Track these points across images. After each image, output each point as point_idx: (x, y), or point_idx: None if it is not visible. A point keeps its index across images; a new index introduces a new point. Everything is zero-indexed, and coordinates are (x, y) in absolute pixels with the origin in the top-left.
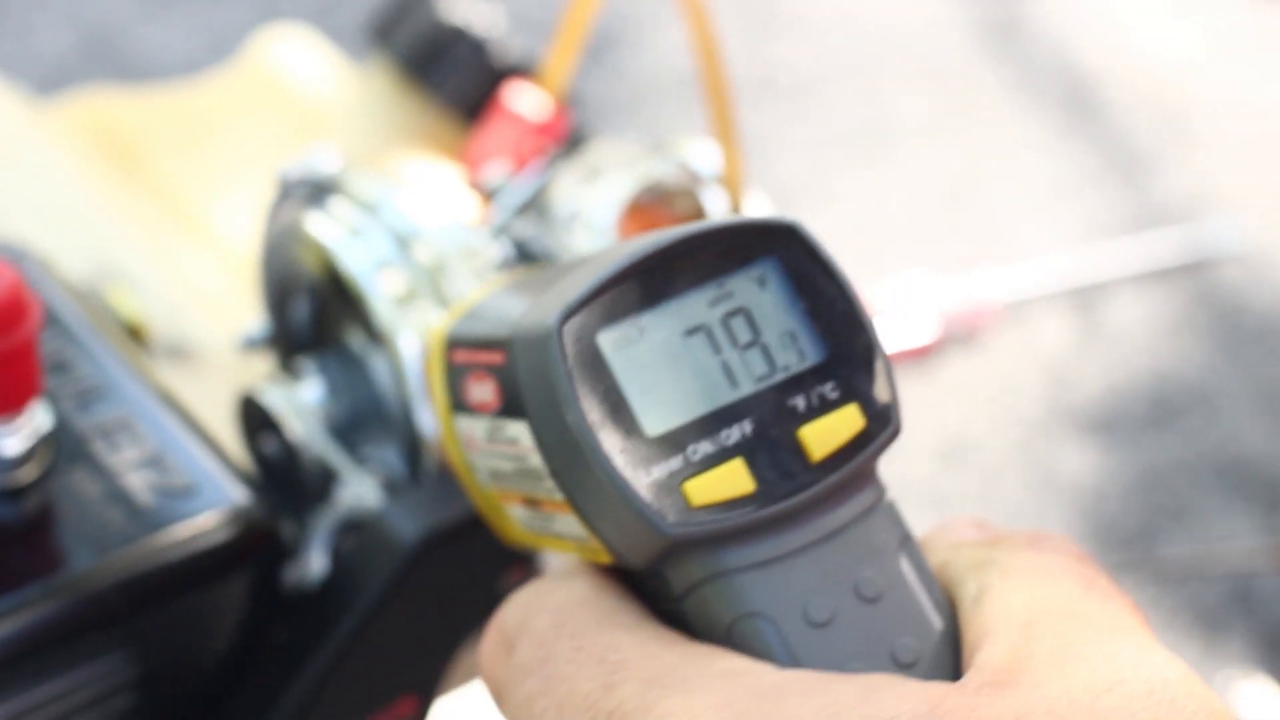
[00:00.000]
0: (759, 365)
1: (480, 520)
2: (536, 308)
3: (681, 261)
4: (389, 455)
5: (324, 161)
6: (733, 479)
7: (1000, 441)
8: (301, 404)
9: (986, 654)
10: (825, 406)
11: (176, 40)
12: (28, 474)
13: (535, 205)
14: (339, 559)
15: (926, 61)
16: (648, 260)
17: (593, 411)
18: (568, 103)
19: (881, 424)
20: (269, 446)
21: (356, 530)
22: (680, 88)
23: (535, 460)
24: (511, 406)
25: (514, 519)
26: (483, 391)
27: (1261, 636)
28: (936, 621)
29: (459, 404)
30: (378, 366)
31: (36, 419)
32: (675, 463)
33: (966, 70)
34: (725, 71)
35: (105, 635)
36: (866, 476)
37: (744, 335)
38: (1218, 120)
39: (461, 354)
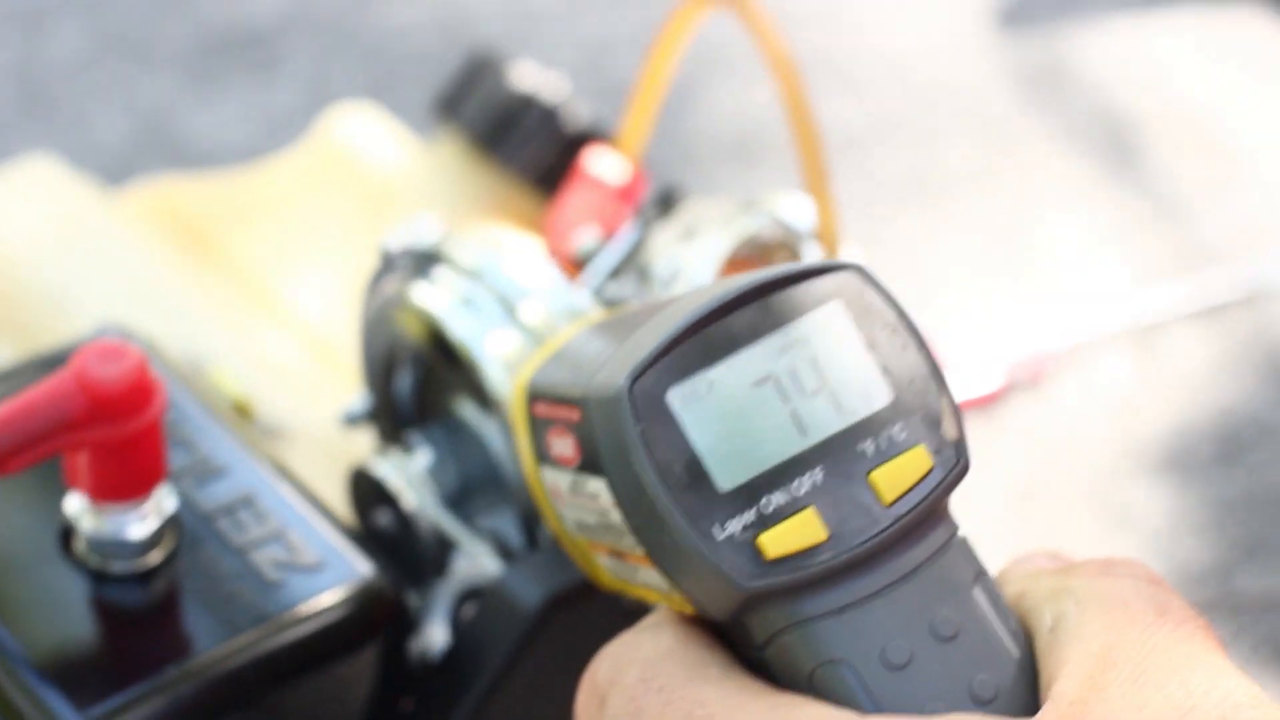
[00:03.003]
0: (827, 412)
1: None
2: (608, 366)
3: (746, 312)
4: (503, 523)
5: (425, 231)
6: (806, 529)
7: (1071, 485)
8: (414, 475)
9: (1062, 685)
10: (894, 449)
11: (231, 124)
12: (155, 557)
13: (633, 266)
14: (460, 628)
15: (970, 112)
16: (712, 314)
17: (666, 471)
18: (644, 166)
19: (950, 462)
20: (383, 519)
21: (476, 599)
22: (736, 148)
23: (616, 516)
24: (590, 463)
25: (603, 567)
26: (563, 446)
27: None
28: (1013, 655)
29: (543, 455)
30: (490, 433)
31: (162, 502)
32: (749, 516)
33: (1010, 119)
34: (815, 124)
35: (240, 715)
36: (938, 515)
37: (811, 382)
38: (1263, 156)
39: (542, 407)
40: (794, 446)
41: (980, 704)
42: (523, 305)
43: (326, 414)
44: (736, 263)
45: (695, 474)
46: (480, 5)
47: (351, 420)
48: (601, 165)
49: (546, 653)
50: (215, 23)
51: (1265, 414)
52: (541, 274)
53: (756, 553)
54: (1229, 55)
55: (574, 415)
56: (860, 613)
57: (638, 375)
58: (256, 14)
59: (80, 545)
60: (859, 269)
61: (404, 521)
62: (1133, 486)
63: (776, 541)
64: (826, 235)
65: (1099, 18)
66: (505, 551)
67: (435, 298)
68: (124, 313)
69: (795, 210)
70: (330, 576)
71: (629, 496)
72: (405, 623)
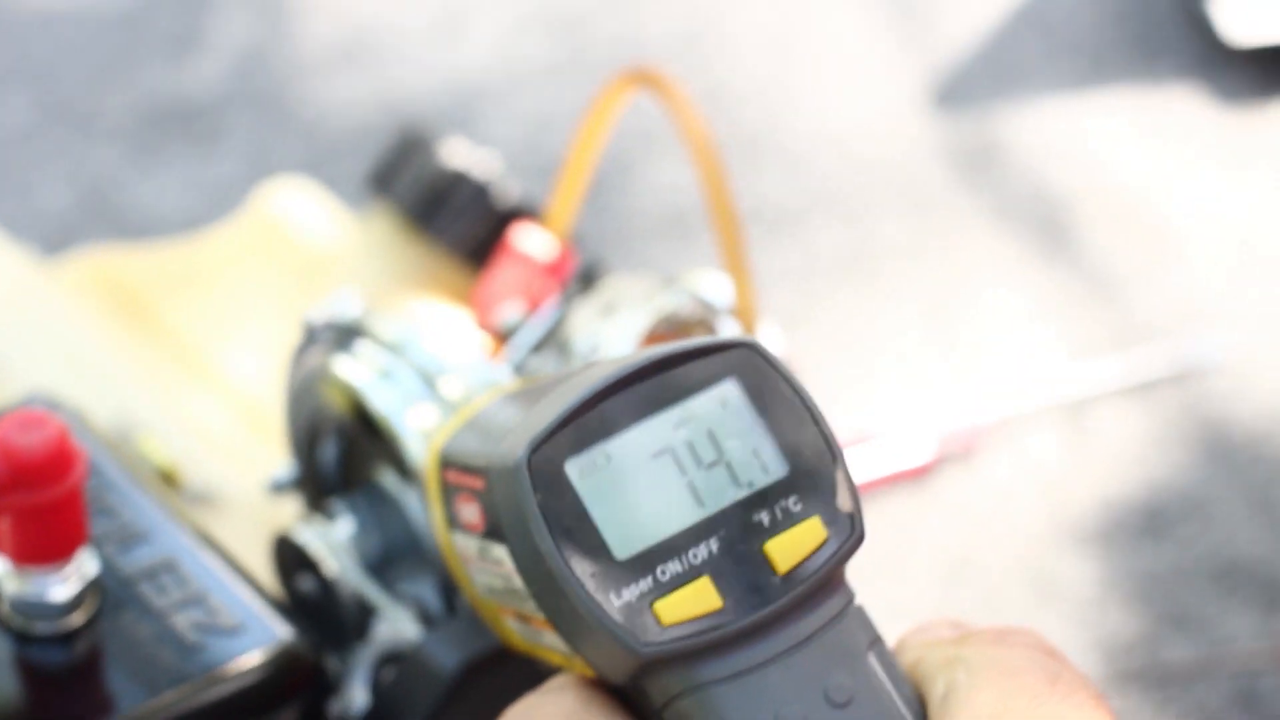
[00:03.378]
0: (724, 484)
1: None
2: (511, 436)
3: (644, 386)
4: (424, 590)
5: (347, 306)
6: (701, 597)
7: (1001, 558)
8: (336, 542)
9: None
10: (789, 520)
11: (171, 195)
12: (77, 619)
13: (554, 341)
14: (379, 692)
15: (906, 189)
16: (611, 388)
17: (563, 540)
18: (572, 243)
19: (844, 533)
20: (306, 585)
21: (395, 663)
22: (669, 225)
23: (518, 582)
24: (494, 530)
25: (512, 629)
26: (470, 513)
27: None
28: None
29: (453, 521)
30: (411, 503)
31: (83, 565)
32: (645, 584)
33: (945, 197)
34: (733, 204)
35: None
36: (834, 584)
37: (708, 455)
38: (1195, 235)
39: (452, 474)
40: (690, 517)
41: None
42: (442, 380)
43: (258, 481)
44: (655, 338)
45: (592, 543)
46: (421, 82)
47: (278, 488)
48: (529, 241)
49: (463, 716)
50: (158, 95)
51: (1193, 489)
52: (462, 349)
53: (652, 620)
54: (1162, 135)
55: (479, 484)
56: (754, 679)
57: (536, 446)
58: (199, 87)
59: (3, 607)
60: (754, 346)
61: (326, 587)
62: (1061, 558)
63: (671, 609)
64: (745, 313)
65: (1034, 98)
66: (426, 617)
67: (357, 371)
68: (57, 381)
69: (713, 288)
70: (249, 639)
71: (528, 564)
72: (324, 685)
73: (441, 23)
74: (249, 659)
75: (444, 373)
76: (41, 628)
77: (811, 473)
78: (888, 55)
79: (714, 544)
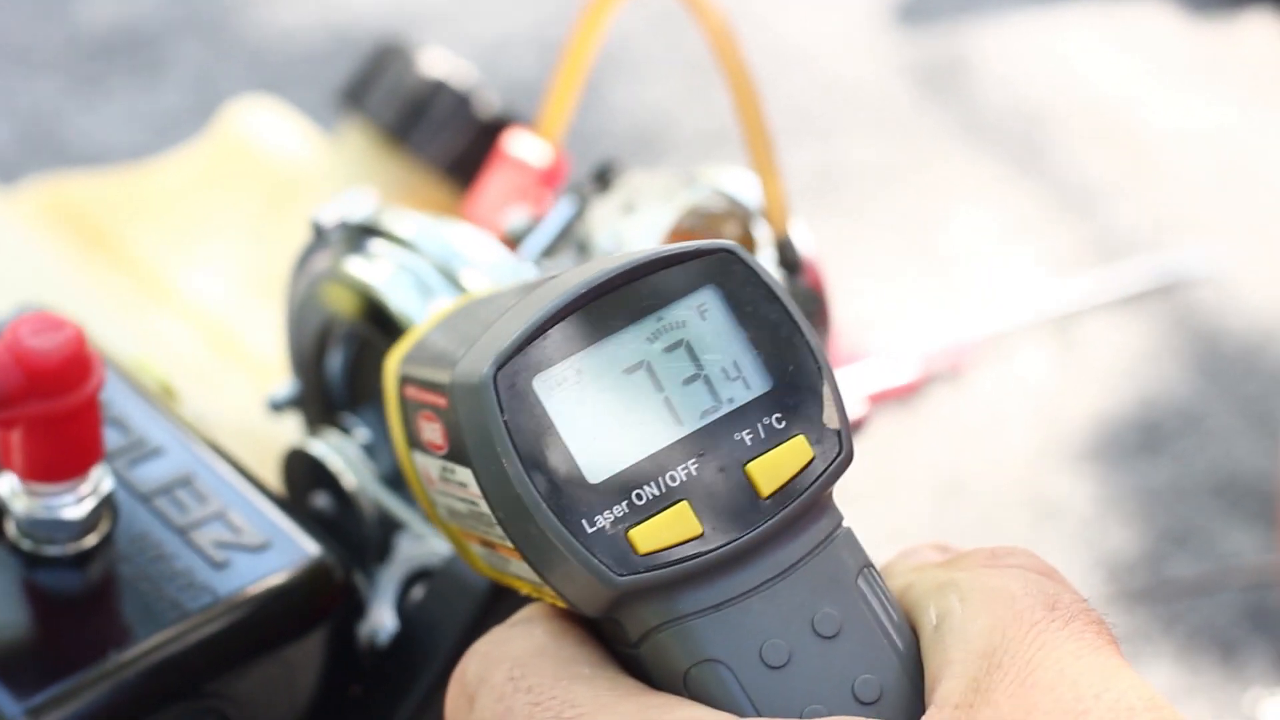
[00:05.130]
0: (703, 400)
1: None
2: (474, 351)
3: (617, 296)
4: None
5: (359, 205)
6: (679, 523)
7: (996, 476)
8: (352, 454)
9: (946, 688)
10: (772, 439)
11: (116, 128)
12: (90, 540)
13: (571, 241)
14: (407, 613)
15: (877, 108)
16: (582, 298)
17: (532, 462)
18: (564, 150)
19: (832, 453)
20: (320, 502)
21: (423, 581)
22: (639, 145)
23: (484, 507)
24: (457, 452)
25: (477, 555)
26: (432, 432)
27: (1278, 650)
28: (898, 654)
29: (414, 440)
30: None
31: (99, 482)
32: (620, 510)
33: (917, 115)
34: (761, 103)
35: (187, 702)
36: (820, 507)
37: (686, 369)
38: (1170, 147)
39: (412, 390)
40: (667, 436)
41: (863, 705)
42: (465, 272)
43: (226, 404)
44: (681, 233)
45: (563, 465)
46: (369, 5)
47: (276, 407)
48: (523, 147)
49: None
50: (96, 26)
51: (1187, 403)
52: (482, 244)
53: (628, 548)
54: (1134, 48)
55: (441, 401)
56: (737, 610)
57: (503, 362)
58: (138, 16)
59: (11, 528)
60: (734, 250)
61: (345, 503)
62: (1058, 476)
63: (648, 536)
64: (774, 211)
65: (999, 14)
66: None
67: (373, 270)
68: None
69: (736, 184)
70: (277, 557)
71: (495, 489)
72: (356, 603)
73: None
74: (279, 577)
75: (464, 266)
76: (53, 550)
77: (796, 388)
78: None
79: (693, 465)
